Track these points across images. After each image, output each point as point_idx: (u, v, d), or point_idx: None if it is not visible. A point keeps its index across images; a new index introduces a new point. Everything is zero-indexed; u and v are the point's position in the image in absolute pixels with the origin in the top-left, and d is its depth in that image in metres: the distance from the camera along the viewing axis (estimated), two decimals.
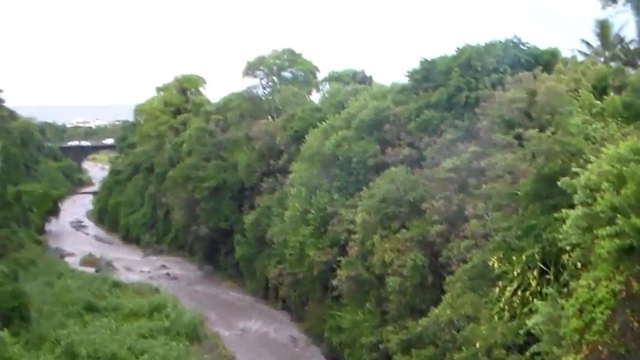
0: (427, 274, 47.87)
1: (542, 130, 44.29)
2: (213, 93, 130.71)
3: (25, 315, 59.03)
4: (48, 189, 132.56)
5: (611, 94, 42.99)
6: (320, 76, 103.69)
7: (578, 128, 38.79)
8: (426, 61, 61.00)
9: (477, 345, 36.23)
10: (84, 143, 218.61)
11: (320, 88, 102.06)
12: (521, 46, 58.43)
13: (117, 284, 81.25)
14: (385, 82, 79.06)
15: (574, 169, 31.94)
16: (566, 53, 60.10)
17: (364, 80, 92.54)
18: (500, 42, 58.53)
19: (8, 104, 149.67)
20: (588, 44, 61.39)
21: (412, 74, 62.26)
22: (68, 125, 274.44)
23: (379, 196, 53.52)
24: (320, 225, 63.43)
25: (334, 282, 57.83)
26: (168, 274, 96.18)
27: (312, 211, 64.33)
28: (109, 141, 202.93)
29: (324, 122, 69.67)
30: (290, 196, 70.71)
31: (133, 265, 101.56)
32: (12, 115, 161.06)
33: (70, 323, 63.42)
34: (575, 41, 62.80)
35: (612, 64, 56.45)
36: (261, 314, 75.90)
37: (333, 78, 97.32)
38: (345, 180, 63.14)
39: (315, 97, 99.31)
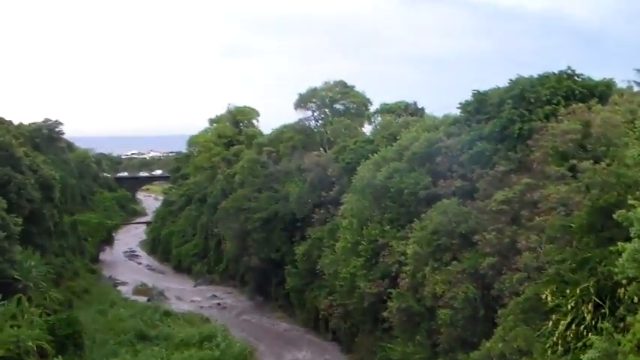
0: (479, 307, 47.20)
1: (596, 162, 43.74)
2: (266, 125, 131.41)
3: (79, 342, 59.72)
4: (103, 219, 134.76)
5: None
6: (372, 108, 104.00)
7: (635, 160, 38.01)
8: (479, 92, 60.68)
9: None
10: (138, 174, 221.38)
11: (372, 120, 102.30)
12: (575, 78, 57.74)
13: (168, 313, 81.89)
14: (437, 114, 78.89)
15: (630, 202, 31.34)
16: (621, 84, 59.36)
17: (416, 112, 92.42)
18: (553, 73, 57.98)
19: (66, 136, 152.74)
20: None
21: (464, 106, 61.94)
22: (123, 156, 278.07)
23: (431, 228, 53.11)
24: (371, 256, 63.04)
25: (385, 314, 57.35)
26: (218, 304, 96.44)
27: (363, 243, 64.01)
28: (163, 172, 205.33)
29: (375, 154, 69.50)
30: (341, 227, 70.60)
31: (184, 295, 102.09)
32: (70, 146, 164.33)
33: (122, 352, 64.09)
34: (630, 72, 61.87)
35: None
36: (311, 345, 75.54)
37: (385, 110, 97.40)
38: (397, 212, 62.81)
39: (367, 129, 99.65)
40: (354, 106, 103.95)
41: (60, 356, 52.84)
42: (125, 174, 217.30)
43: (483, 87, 61.21)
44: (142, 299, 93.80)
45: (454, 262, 50.11)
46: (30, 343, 48.22)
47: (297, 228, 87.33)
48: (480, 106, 59.83)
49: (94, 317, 74.96)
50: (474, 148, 56.37)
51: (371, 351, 63.14)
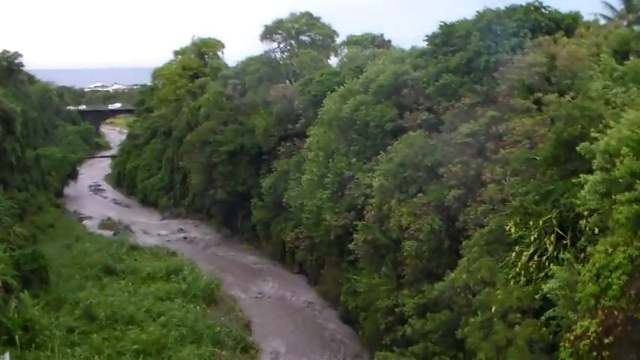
0: (444, 239, 47.72)
1: (561, 94, 44.00)
2: (231, 57, 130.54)
3: (45, 277, 59.74)
4: (66, 153, 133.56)
5: (633, 58, 42.45)
6: (338, 40, 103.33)
7: (599, 93, 38.37)
8: (445, 25, 60.41)
9: (493, 309, 36.19)
10: (102, 107, 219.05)
11: (338, 52, 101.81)
12: (542, 10, 57.72)
13: (134, 247, 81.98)
14: (404, 46, 78.74)
15: (593, 134, 31.67)
16: (588, 17, 59.44)
17: (383, 44, 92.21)
18: (520, 6, 57.89)
19: (27, 68, 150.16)
20: (611, 7, 60.52)
21: (431, 38, 61.70)
22: (86, 89, 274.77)
23: (397, 160, 53.34)
24: (337, 189, 63.37)
25: (351, 246, 57.81)
26: (185, 238, 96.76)
27: (330, 175, 64.27)
28: (124, 105, 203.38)
29: (342, 86, 69.30)
30: (307, 160, 70.80)
31: (151, 229, 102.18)
32: (30, 79, 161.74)
33: (88, 286, 64.28)
34: (598, 5, 61.95)
35: (636, 27, 55.59)
36: (278, 278, 76.33)
37: (352, 42, 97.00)
38: (363, 144, 63.02)
39: (333, 62, 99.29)
40: (321, 37, 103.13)
41: (25, 291, 52.82)
42: (88, 107, 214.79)
43: (451, 19, 61.01)
44: (108, 233, 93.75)
45: (420, 195, 50.47)
46: None
47: (263, 161, 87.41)
48: (446, 38, 59.63)
49: (60, 252, 74.80)
50: (440, 81, 56.45)
51: (337, 283, 63.92)
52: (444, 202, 47.97)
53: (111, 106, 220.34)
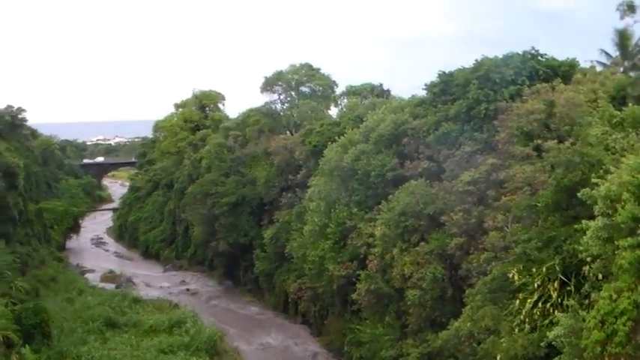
0: (447, 287, 47.70)
1: (561, 141, 44.23)
2: (232, 109, 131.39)
3: (46, 331, 59.24)
4: (68, 206, 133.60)
5: (630, 104, 42.70)
6: (338, 90, 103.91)
7: (598, 139, 38.59)
8: (444, 73, 60.89)
9: (498, 358, 35.99)
10: (104, 160, 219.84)
11: (338, 102, 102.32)
12: (539, 58, 58.27)
13: (137, 300, 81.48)
14: (403, 96, 79.18)
15: (594, 180, 31.77)
16: (584, 64, 59.99)
17: (382, 94, 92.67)
18: (517, 54, 58.41)
19: (29, 122, 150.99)
20: (607, 54, 61.07)
21: (430, 87, 62.18)
22: (88, 143, 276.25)
23: (398, 209, 53.37)
24: (339, 239, 63.24)
25: (354, 296, 57.64)
26: (187, 290, 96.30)
27: (332, 225, 64.19)
28: (129, 158, 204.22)
29: (342, 136, 69.57)
30: (309, 210, 70.68)
31: (153, 281, 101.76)
32: (33, 133, 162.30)
33: (90, 339, 63.69)
34: (594, 52, 62.53)
35: (632, 73, 56.12)
36: (281, 329, 75.78)
37: (351, 92, 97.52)
38: (364, 194, 63.08)
39: (334, 112, 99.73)
40: (320, 88, 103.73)
41: (27, 346, 52.42)
42: (90, 160, 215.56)
43: (449, 68, 61.46)
44: (110, 286, 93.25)
45: (422, 243, 50.53)
46: None
47: (264, 212, 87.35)
48: (445, 86, 60.08)
49: (62, 306, 74.37)
50: (440, 129, 56.68)
51: (341, 333, 63.48)
52: (446, 251, 48.00)
53: (112, 160, 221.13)
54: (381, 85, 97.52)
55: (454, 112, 56.71)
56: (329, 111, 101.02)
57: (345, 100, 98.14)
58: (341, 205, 64.53)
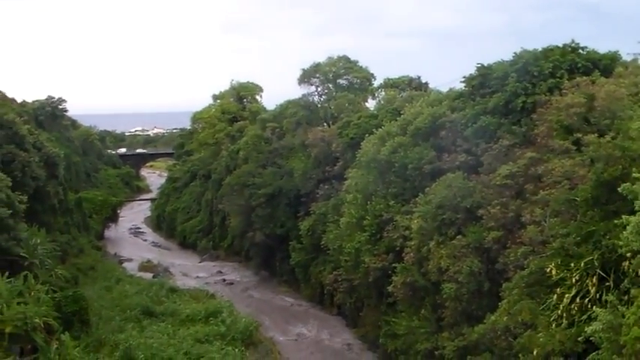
0: (483, 281, 47.30)
1: (601, 135, 43.63)
2: (269, 101, 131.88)
3: (85, 319, 59.99)
4: (107, 196, 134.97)
5: None
6: (375, 83, 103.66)
7: (639, 132, 37.99)
8: (483, 66, 60.39)
9: (535, 352, 35.61)
10: (142, 151, 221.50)
11: (375, 95, 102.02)
12: (579, 51, 57.55)
13: (174, 290, 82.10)
14: (441, 89, 78.72)
15: (635, 175, 31.28)
16: (626, 57, 59.06)
17: (420, 87, 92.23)
18: (557, 47, 57.78)
19: (70, 113, 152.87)
20: None
21: (468, 80, 61.70)
22: (127, 133, 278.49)
23: (435, 202, 53.10)
24: (375, 231, 63.19)
25: (389, 288, 57.53)
26: (224, 280, 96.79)
27: (368, 218, 64.13)
28: (167, 148, 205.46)
29: (379, 129, 69.49)
30: (345, 202, 70.67)
31: (190, 271, 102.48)
32: (73, 124, 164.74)
33: (127, 328, 64.36)
34: (635, 44, 61.57)
35: None
36: (316, 320, 75.88)
37: (389, 85, 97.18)
38: (401, 186, 62.88)
39: (371, 104, 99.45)
40: (358, 81, 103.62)
41: (66, 332, 53.00)
42: (129, 151, 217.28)
43: (488, 61, 60.95)
44: (148, 276, 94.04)
45: (459, 237, 50.14)
46: (37, 320, 48.24)
47: (301, 203, 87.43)
48: (484, 80, 59.56)
49: (100, 294, 75.21)
50: (478, 123, 56.23)
51: (376, 325, 63.42)
52: (483, 244, 47.61)
53: (151, 150, 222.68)
54: (419, 77, 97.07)
55: (492, 105, 56.27)
56: (366, 103, 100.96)
57: (383, 93, 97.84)
58: (378, 198, 64.39)
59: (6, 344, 46.78)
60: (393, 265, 58.06)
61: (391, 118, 72.21)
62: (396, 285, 56.08)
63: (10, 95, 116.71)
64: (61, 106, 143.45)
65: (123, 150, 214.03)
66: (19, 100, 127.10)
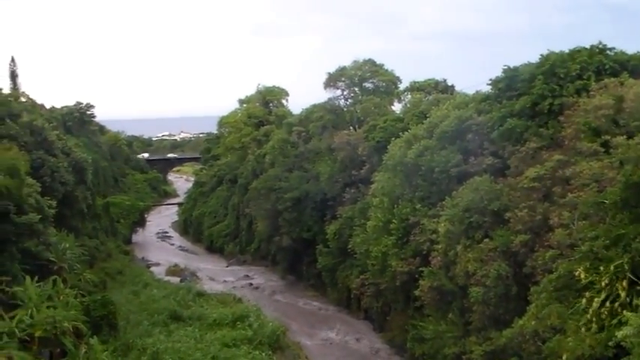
0: (511, 285, 47.04)
1: (630, 137, 43.23)
2: (295, 105, 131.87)
3: (113, 323, 60.20)
4: (135, 201, 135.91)
5: None
6: (401, 86, 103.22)
7: None
8: (509, 68, 60.04)
9: (564, 357, 35.33)
10: (172, 155, 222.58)
11: (402, 98, 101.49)
12: (607, 52, 57.02)
13: (201, 294, 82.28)
14: (468, 91, 78.40)
15: None
16: None
17: (446, 90, 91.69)
18: (584, 48, 57.36)
19: (98, 118, 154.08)
20: None
21: (495, 82, 61.38)
22: (154, 138, 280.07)
23: (462, 205, 52.88)
24: (402, 235, 62.99)
25: (416, 292, 57.48)
26: (251, 284, 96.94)
27: (395, 221, 63.96)
28: (194, 153, 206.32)
29: (406, 132, 69.24)
30: (372, 206, 70.59)
31: (217, 275, 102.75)
32: (101, 129, 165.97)
33: (155, 332, 64.48)
34: None
35: None
36: (343, 324, 75.72)
37: (415, 88, 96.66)
38: (428, 190, 62.64)
39: (397, 108, 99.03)
40: (384, 84, 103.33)
41: (95, 337, 53.24)
42: (155, 156, 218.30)
43: (513, 63, 60.57)
44: (175, 280, 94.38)
45: (486, 240, 49.93)
46: (66, 324, 48.53)
47: (328, 207, 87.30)
48: (510, 82, 59.19)
49: (128, 298, 75.53)
50: (505, 125, 55.92)
51: (403, 329, 63.22)
52: (510, 248, 47.36)
53: (178, 155, 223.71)
54: (445, 80, 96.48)
55: (519, 107, 55.90)
56: (392, 107, 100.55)
57: (409, 96, 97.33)
58: (404, 201, 64.22)
59: (36, 348, 47.13)
60: (420, 269, 57.93)
61: (417, 121, 72.01)
62: (423, 289, 55.96)
63: (39, 101, 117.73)
64: (89, 112, 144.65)
65: (148, 155, 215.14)
66: (47, 106, 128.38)
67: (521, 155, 52.33)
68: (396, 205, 64.96)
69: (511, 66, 60.35)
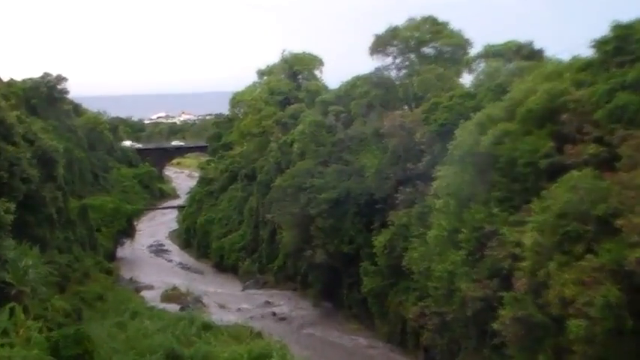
0: (624, 316, 46.33)
1: None
2: (332, 77, 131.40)
3: None
4: (120, 203, 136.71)
5: None
6: (473, 51, 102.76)
7: None
8: (620, 25, 59.28)
9: None
10: (166, 144, 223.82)
11: (473, 67, 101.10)
12: None
13: (208, 326, 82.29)
14: (562, 57, 77.65)
15: None
16: None
17: (532, 56, 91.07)
18: None
19: (72, 95, 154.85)
20: None
21: (600, 44, 60.69)
22: (146, 121, 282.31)
23: (555, 209, 52.19)
24: (475, 249, 62.59)
25: (495, 325, 56.76)
26: (274, 314, 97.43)
27: (464, 231, 63.63)
28: (198, 141, 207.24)
29: (478, 112, 68.75)
30: (434, 210, 70.35)
31: (229, 302, 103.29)
32: (77, 109, 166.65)
33: None
34: None
35: None
36: None
37: (491, 54, 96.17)
38: (508, 188, 62.05)
39: (467, 80, 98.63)
40: (449, 49, 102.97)
41: None
42: (144, 144, 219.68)
43: (627, 17, 59.70)
44: (174, 308, 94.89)
45: (589, 256, 49.18)
46: None
47: (375, 212, 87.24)
48: (621, 43, 58.59)
49: (110, 332, 75.58)
50: (614, 101, 55.29)
51: None
52: (623, 266, 46.61)
53: (178, 143, 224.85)
54: (531, 43, 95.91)
55: (633, 77, 55.15)
56: (461, 79, 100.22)
57: (483, 65, 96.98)
58: (477, 204, 63.84)
59: None
60: (500, 294, 57.25)
61: (494, 97, 71.69)
62: (504, 321, 55.27)
63: None
64: (60, 86, 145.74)
65: (139, 145, 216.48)
66: (5, 79, 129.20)
67: (636, 142, 51.53)
68: (465, 209, 64.57)
69: (623, 22, 59.55)
